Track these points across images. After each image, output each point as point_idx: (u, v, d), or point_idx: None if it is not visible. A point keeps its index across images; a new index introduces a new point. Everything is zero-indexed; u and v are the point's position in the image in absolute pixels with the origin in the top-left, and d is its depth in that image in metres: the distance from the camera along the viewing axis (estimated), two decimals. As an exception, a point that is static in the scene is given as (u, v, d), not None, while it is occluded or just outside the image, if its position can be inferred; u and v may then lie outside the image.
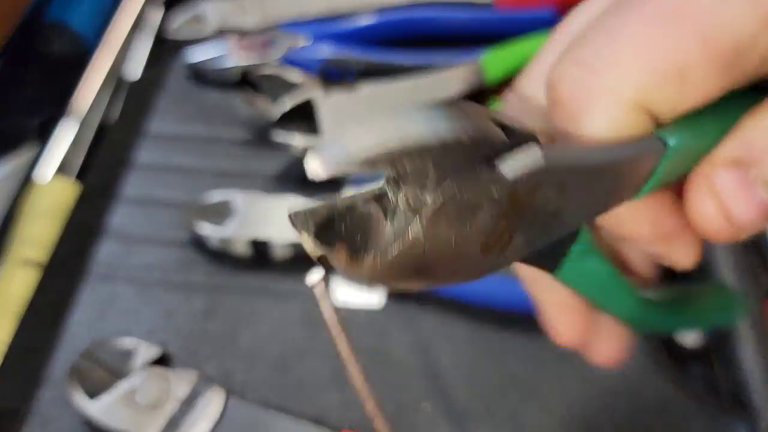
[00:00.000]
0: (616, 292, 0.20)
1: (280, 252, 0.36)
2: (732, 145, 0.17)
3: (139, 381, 0.30)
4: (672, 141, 0.16)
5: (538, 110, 0.19)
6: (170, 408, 0.29)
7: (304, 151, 0.40)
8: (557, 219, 0.15)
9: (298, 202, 0.37)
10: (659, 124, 0.16)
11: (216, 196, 0.37)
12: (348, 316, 0.34)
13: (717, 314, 0.25)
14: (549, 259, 0.17)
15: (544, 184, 0.14)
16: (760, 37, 0.15)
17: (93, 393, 0.29)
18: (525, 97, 0.20)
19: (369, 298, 0.35)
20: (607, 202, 0.16)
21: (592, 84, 0.16)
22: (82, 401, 0.29)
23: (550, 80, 0.17)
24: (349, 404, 0.31)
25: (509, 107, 0.21)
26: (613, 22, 0.16)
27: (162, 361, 0.31)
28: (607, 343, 0.23)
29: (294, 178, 0.40)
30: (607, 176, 0.16)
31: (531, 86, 0.20)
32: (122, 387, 0.30)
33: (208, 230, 0.35)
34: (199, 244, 0.37)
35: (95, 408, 0.29)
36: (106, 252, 0.37)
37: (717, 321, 0.27)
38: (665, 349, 0.49)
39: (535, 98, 0.20)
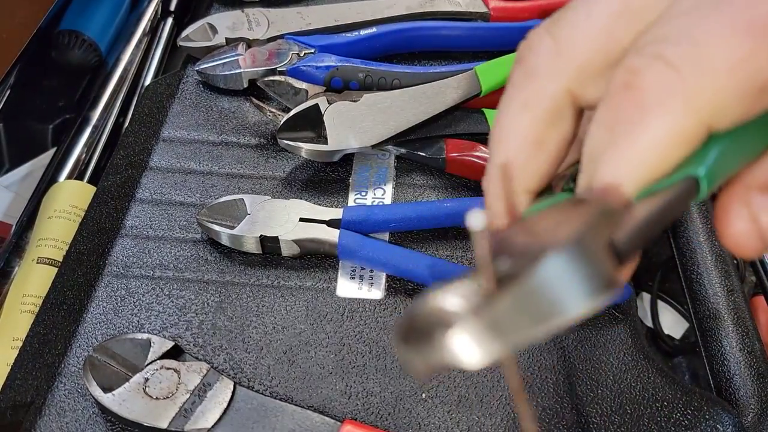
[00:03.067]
0: None
1: (287, 249, 0.37)
2: (765, 168, 0.17)
3: (152, 373, 0.31)
4: (702, 171, 0.16)
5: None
6: (181, 398, 0.30)
7: (310, 152, 0.41)
8: None
9: (304, 205, 0.38)
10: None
11: (227, 198, 0.38)
12: (349, 307, 0.36)
13: None
14: None
15: None
16: None
17: (107, 385, 0.30)
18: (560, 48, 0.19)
19: (369, 290, 0.37)
20: None
21: (674, 86, 0.15)
22: (96, 393, 0.30)
23: (629, 65, 0.16)
24: (353, 395, 0.32)
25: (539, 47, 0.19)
26: (699, 17, 0.16)
27: (174, 353, 0.32)
28: None
29: (301, 182, 0.42)
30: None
31: (577, 39, 0.19)
32: (135, 379, 0.30)
33: (219, 229, 0.37)
34: (210, 242, 0.38)
35: (110, 400, 0.30)
36: (121, 250, 0.38)
37: None
38: (652, 341, 0.50)
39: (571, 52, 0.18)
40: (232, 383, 0.31)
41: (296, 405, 0.31)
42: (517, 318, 0.14)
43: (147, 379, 0.30)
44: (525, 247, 0.15)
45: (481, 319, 0.13)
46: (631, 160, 0.16)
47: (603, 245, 0.15)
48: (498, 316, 0.13)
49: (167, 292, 0.36)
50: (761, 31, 0.15)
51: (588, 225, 0.14)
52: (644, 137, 0.16)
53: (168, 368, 0.31)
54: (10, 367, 0.34)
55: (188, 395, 0.30)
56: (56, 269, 0.38)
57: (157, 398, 0.30)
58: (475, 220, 0.14)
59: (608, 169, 0.16)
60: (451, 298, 0.14)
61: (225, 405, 0.30)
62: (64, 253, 0.38)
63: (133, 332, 0.34)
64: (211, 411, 0.30)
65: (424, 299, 0.14)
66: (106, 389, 0.30)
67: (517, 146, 0.19)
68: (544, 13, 0.51)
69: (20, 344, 0.35)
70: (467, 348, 0.13)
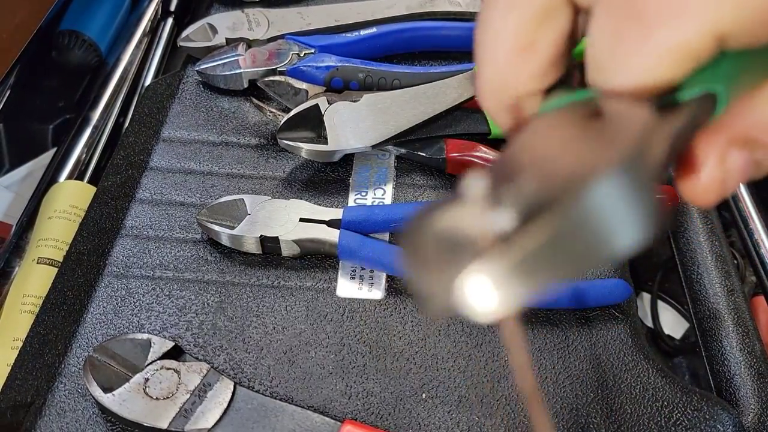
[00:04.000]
0: None
1: (287, 249, 0.37)
2: (747, 122, 0.17)
3: (152, 373, 0.31)
4: (720, 87, 0.16)
5: None
6: (182, 399, 0.30)
7: (311, 152, 0.41)
8: None
9: (304, 205, 0.38)
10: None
11: (227, 198, 0.38)
12: (349, 308, 0.36)
13: None
14: None
15: None
16: None
17: (107, 385, 0.30)
18: None
19: (369, 290, 0.37)
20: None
21: None
22: (97, 393, 0.30)
23: None
24: (353, 395, 0.32)
25: None
26: None
27: (174, 354, 0.32)
28: None
29: (302, 182, 0.42)
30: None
31: None
32: (136, 379, 0.30)
33: (219, 229, 0.37)
34: (210, 242, 0.38)
35: (110, 400, 0.30)
36: (121, 251, 0.38)
37: None
38: (652, 341, 0.50)
39: None
40: (233, 383, 0.31)
41: (296, 405, 0.31)
42: (552, 255, 0.11)
43: (147, 380, 0.30)
44: (550, 168, 0.13)
45: (509, 257, 0.11)
46: (640, 73, 0.15)
47: (649, 167, 0.13)
48: (529, 253, 0.11)
49: (167, 293, 0.36)
50: None
51: (632, 143, 0.13)
52: (652, 47, 0.15)
53: (168, 368, 0.31)
54: (10, 368, 0.34)
55: (188, 395, 0.30)
56: (56, 269, 0.38)
57: (157, 398, 0.30)
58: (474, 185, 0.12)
59: (619, 80, 0.15)
60: (474, 217, 0.12)
61: (225, 405, 0.30)
62: (65, 254, 0.38)
63: (134, 332, 0.34)
64: (211, 411, 0.30)
65: (443, 211, 0.12)
66: (107, 389, 0.30)
67: (505, 51, 0.17)
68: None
69: (20, 344, 0.35)
70: (484, 292, 0.11)
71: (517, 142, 0.15)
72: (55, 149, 0.48)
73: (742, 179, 0.17)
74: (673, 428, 0.32)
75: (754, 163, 0.17)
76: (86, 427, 0.31)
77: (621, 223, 0.12)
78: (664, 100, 0.16)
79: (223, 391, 0.31)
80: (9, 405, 0.32)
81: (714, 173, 0.17)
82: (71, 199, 0.43)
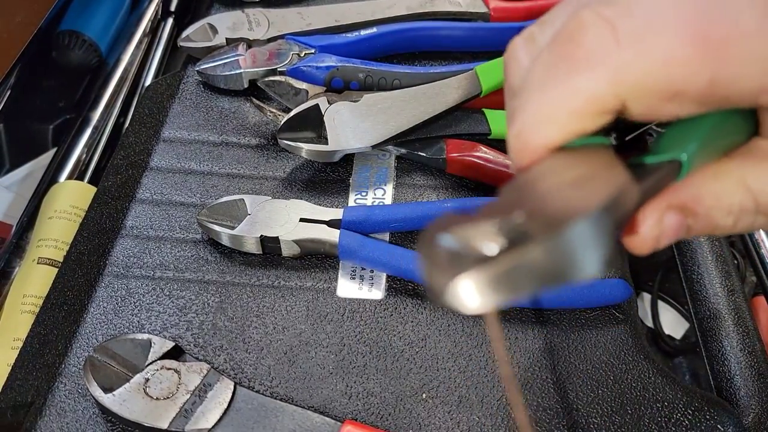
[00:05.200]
0: None
1: (287, 249, 0.37)
2: (688, 192, 0.20)
3: (152, 373, 0.31)
4: (684, 156, 0.20)
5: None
6: (182, 399, 0.30)
7: (311, 152, 0.41)
8: None
9: (305, 205, 0.38)
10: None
11: (227, 198, 0.38)
12: (350, 308, 0.36)
13: None
14: None
15: None
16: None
17: (108, 385, 0.30)
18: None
19: (369, 290, 0.37)
20: None
21: (609, 54, 0.17)
22: (97, 393, 0.30)
23: (581, 17, 0.18)
24: (353, 395, 0.32)
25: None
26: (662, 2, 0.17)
27: (174, 354, 0.32)
28: None
29: (302, 183, 0.42)
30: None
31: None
32: (136, 380, 0.30)
33: (219, 229, 0.37)
34: (210, 242, 0.38)
35: (110, 400, 0.30)
36: (121, 251, 0.38)
37: None
38: (653, 341, 0.50)
39: None
40: (233, 383, 0.31)
41: (297, 405, 0.31)
42: (526, 273, 0.15)
43: (147, 380, 0.31)
44: (541, 206, 0.16)
45: (490, 271, 0.15)
46: (552, 105, 0.18)
47: (617, 217, 0.17)
48: (507, 270, 0.15)
49: (168, 293, 0.36)
50: (703, 43, 0.17)
51: (608, 197, 0.16)
52: (569, 88, 0.18)
53: (168, 368, 0.31)
54: (10, 368, 0.34)
55: (188, 395, 0.30)
56: (57, 269, 0.38)
57: (157, 398, 0.30)
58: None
59: (534, 108, 0.19)
60: (480, 234, 0.15)
61: (225, 405, 0.30)
62: (65, 254, 0.38)
63: (134, 333, 0.34)
64: (211, 411, 0.30)
65: (463, 223, 0.16)
66: (107, 389, 0.30)
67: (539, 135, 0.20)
68: (545, 13, 0.50)
69: (21, 344, 0.35)
70: (470, 293, 0.15)
71: (521, 178, 0.19)
72: (55, 149, 0.48)
73: (673, 238, 0.20)
74: (673, 428, 0.32)
75: (686, 227, 0.20)
76: (86, 427, 0.31)
77: (585, 256, 0.15)
78: (635, 161, 0.20)
79: (223, 392, 0.31)
80: (9, 405, 0.32)
81: (651, 231, 0.20)
82: (71, 200, 0.43)
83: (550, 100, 0.18)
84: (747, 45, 0.17)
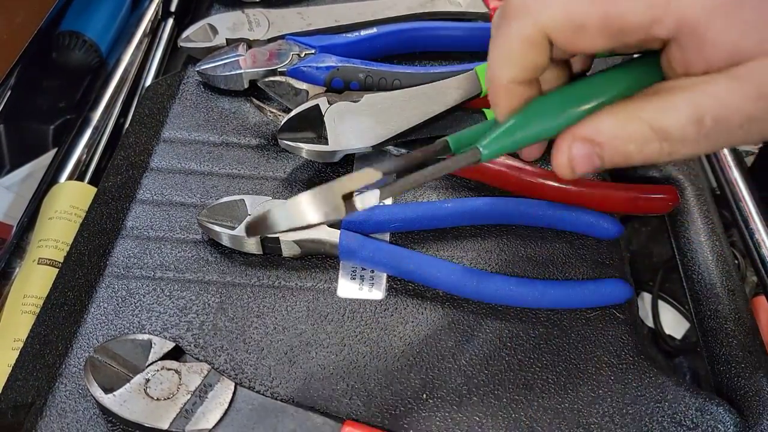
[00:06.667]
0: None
1: (288, 249, 0.37)
2: (590, 126, 0.25)
3: (153, 374, 0.31)
4: (485, 152, 0.26)
5: None
6: (182, 399, 0.30)
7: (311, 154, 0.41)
8: None
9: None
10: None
11: (228, 198, 0.38)
12: (350, 308, 0.36)
13: None
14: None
15: None
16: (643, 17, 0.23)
17: (108, 386, 0.30)
18: None
19: (370, 290, 0.37)
20: None
21: (527, 7, 0.25)
22: (97, 393, 0.30)
23: None
24: (353, 395, 0.32)
25: None
26: None
27: (175, 354, 0.32)
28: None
29: (302, 183, 0.42)
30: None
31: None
32: (136, 380, 0.30)
33: (220, 230, 0.37)
34: (211, 243, 0.38)
35: (111, 401, 0.30)
36: (122, 251, 0.38)
37: None
38: (653, 341, 0.50)
39: None
40: (233, 384, 0.31)
41: (297, 406, 0.31)
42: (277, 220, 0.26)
43: (148, 380, 0.30)
44: None
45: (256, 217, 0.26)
46: (501, 48, 0.26)
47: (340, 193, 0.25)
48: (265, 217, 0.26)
49: (168, 293, 0.36)
50: None
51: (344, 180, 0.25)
52: (508, 34, 0.25)
53: (169, 369, 0.31)
54: (11, 368, 0.34)
55: (189, 396, 0.30)
56: (57, 270, 0.38)
57: (158, 399, 0.30)
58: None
59: (490, 63, 0.26)
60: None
61: (226, 406, 0.30)
62: (65, 254, 0.38)
63: (134, 333, 0.34)
64: (212, 412, 0.30)
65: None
66: (107, 390, 0.30)
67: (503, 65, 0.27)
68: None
69: (21, 345, 0.35)
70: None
71: None
72: (55, 150, 0.48)
73: (589, 166, 0.25)
74: (674, 428, 0.32)
75: (596, 156, 0.25)
76: (87, 428, 0.31)
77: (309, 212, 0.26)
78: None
79: (223, 392, 0.31)
80: (10, 405, 0.32)
81: (561, 158, 0.26)
82: (72, 200, 0.43)
83: (499, 46, 0.26)
84: None
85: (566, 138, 0.25)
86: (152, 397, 0.30)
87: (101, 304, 0.35)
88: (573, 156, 0.25)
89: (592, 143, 0.25)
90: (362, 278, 0.37)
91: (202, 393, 0.30)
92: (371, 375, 0.33)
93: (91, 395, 0.30)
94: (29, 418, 0.31)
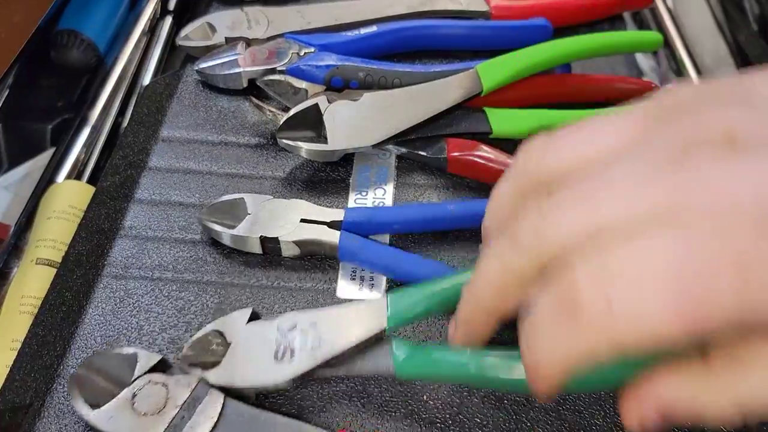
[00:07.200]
0: None
1: (287, 250, 0.37)
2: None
3: (140, 388, 0.30)
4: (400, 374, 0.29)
5: None
6: (170, 414, 0.29)
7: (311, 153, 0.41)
8: None
9: (306, 205, 0.38)
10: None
11: (227, 197, 0.38)
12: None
13: None
14: None
15: None
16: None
17: (94, 402, 0.29)
18: None
19: (370, 291, 0.36)
20: None
21: (605, 322, 0.19)
22: (83, 411, 0.29)
23: (573, 278, 0.19)
24: (353, 396, 0.32)
25: None
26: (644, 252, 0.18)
27: (161, 367, 0.31)
28: None
29: (302, 182, 0.42)
30: None
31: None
32: (123, 395, 0.29)
33: (220, 229, 0.37)
34: (210, 243, 0.38)
35: (97, 417, 0.29)
36: (120, 251, 0.38)
37: None
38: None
39: None
40: (222, 396, 0.30)
41: (289, 416, 0.30)
42: None
43: (135, 395, 0.29)
44: None
45: None
46: (559, 353, 0.20)
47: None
48: None
49: (166, 294, 0.36)
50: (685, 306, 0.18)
51: None
52: (574, 342, 0.19)
53: (156, 383, 0.30)
54: (8, 369, 0.33)
55: (177, 410, 0.29)
56: (55, 270, 0.38)
57: (145, 414, 0.29)
58: None
59: (546, 346, 0.20)
60: None
61: (215, 419, 0.29)
62: (63, 254, 0.38)
63: (132, 333, 0.34)
64: (200, 425, 0.29)
65: None
66: (93, 406, 0.29)
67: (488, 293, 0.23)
68: (545, 11, 0.50)
69: (19, 345, 0.34)
70: None
71: None
72: (53, 149, 0.48)
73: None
74: (674, 428, 0.32)
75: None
76: (85, 429, 0.31)
77: None
78: None
79: (212, 405, 0.30)
80: (7, 407, 0.32)
81: (634, 420, 0.21)
82: (70, 200, 0.43)
83: (557, 349, 0.20)
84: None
85: (640, 406, 0.21)
86: (140, 413, 0.29)
87: (99, 304, 0.35)
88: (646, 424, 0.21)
89: (665, 416, 0.21)
90: (362, 279, 0.37)
91: (190, 407, 0.29)
92: (368, 378, 0.33)
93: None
94: (27, 419, 0.31)
